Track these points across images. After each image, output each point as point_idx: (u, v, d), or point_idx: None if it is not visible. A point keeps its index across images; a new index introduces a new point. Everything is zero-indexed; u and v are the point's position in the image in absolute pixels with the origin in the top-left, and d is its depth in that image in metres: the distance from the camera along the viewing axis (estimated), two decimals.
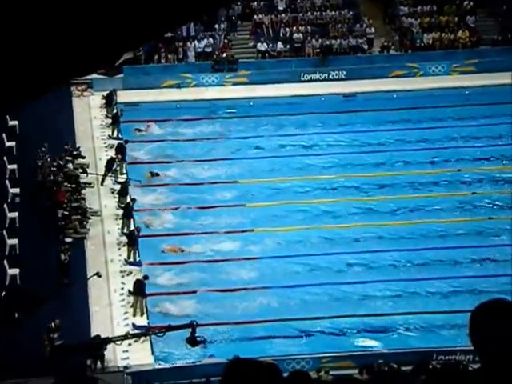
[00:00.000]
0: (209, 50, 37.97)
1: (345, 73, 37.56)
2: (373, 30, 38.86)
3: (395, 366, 19.14)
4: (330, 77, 37.61)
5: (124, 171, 30.14)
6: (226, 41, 38.10)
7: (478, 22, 38.90)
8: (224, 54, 37.81)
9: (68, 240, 25.63)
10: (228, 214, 28.92)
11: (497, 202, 29.72)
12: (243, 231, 28.17)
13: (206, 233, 27.94)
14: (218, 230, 28.08)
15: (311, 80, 37.52)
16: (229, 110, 35.11)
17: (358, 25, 39.08)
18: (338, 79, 37.43)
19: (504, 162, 31.83)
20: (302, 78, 37.52)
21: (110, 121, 33.23)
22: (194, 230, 28.09)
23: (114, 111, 33.49)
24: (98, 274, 23.42)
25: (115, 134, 32.61)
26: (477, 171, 31.28)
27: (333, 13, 39.26)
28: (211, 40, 38.02)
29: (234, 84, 36.92)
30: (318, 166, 31.68)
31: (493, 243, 27.72)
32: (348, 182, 30.82)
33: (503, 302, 3.42)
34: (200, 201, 29.44)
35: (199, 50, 37.82)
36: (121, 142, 31.53)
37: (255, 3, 39.21)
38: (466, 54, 37.76)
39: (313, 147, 33.03)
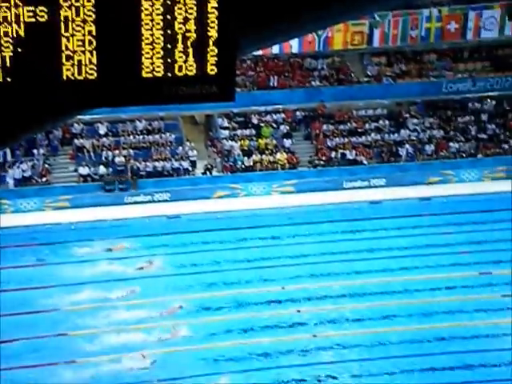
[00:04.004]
0: (27, 174, 37.04)
1: (169, 195, 37.64)
2: (195, 152, 39.34)
3: None
4: (155, 199, 37.56)
5: None
6: (46, 165, 37.35)
7: (295, 145, 40.31)
8: (44, 179, 36.98)
9: None
10: None
11: None
12: None
13: None
14: None
15: (136, 202, 37.31)
16: None
17: (180, 148, 39.48)
18: (163, 201, 37.44)
19: None
20: (125, 201, 37.25)
21: None
22: None
23: None
24: None
25: None
26: None
27: (155, 136, 39.55)
28: (30, 165, 37.15)
29: (55, 209, 36.06)
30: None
31: None
32: None
33: None
34: None
35: (17, 176, 36.79)
36: None
37: (75, 127, 38.86)
38: (285, 175, 38.90)
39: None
